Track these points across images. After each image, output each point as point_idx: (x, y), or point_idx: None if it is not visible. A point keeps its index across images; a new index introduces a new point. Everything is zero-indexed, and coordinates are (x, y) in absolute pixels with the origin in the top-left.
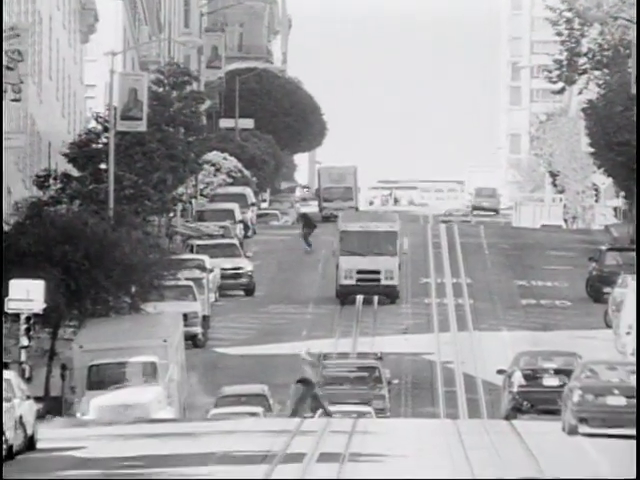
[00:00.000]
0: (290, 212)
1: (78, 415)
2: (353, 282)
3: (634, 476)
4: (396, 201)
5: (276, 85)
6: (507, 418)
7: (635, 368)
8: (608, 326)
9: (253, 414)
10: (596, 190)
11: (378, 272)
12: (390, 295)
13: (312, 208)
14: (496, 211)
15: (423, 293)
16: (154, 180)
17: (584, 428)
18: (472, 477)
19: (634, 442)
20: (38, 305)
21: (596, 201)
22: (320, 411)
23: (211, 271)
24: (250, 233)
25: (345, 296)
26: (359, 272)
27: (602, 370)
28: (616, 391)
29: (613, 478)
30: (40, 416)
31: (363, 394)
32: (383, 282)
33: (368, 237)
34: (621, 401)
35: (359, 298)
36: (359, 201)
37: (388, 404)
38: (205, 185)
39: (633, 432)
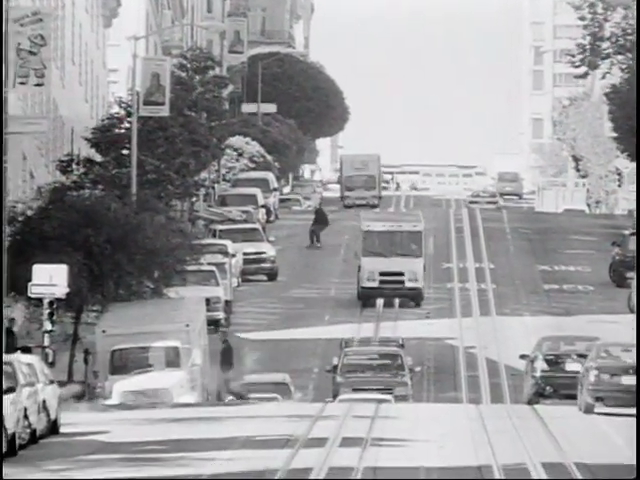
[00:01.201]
0: (312, 197)
1: (101, 400)
2: (376, 284)
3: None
4: (398, 186)
5: (298, 70)
6: (529, 403)
7: None
8: (631, 311)
9: (271, 399)
10: (619, 174)
11: (402, 274)
12: (414, 298)
13: (334, 193)
14: (519, 195)
15: (445, 278)
16: (176, 165)
17: (600, 407)
18: (495, 462)
19: None
20: (61, 290)
21: (619, 185)
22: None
23: (233, 256)
24: (272, 218)
25: (367, 299)
26: (382, 274)
27: (617, 351)
28: (631, 371)
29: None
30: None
31: (385, 381)
32: (407, 284)
33: (391, 237)
34: (635, 381)
35: (379, 302)
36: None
37: (410, 391)
38: (227, 170)
39: None
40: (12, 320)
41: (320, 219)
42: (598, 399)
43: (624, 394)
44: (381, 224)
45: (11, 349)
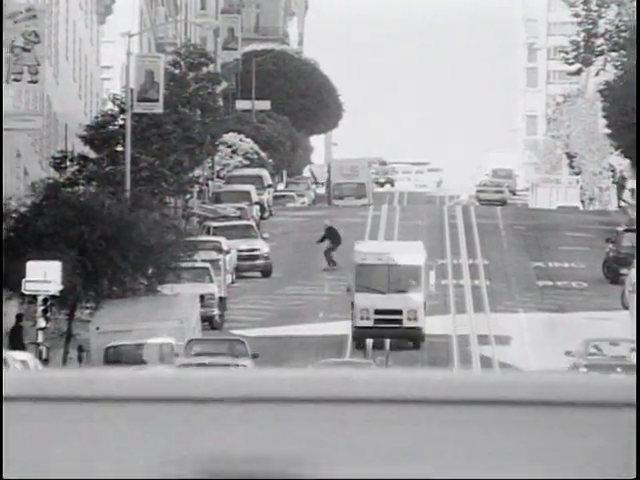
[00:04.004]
0: (307, 194)
1: None
2: (370, 324)
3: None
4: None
5: (292, 67)
6: None
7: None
8: (625, 307)
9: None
10: (613, 171)
11: (399, 312)
12: (414, 339)
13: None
14: (513, 192)
15: (439, 274)
16: (170, 162)
17: None
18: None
19: None
20: (55, 286)
21: (613, 182)
22: None
23: (227, 253)
24: (266, 215)
25: (362, 339)
26: (377, 312)
27: (606, 346)
28: (619, 369)
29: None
30: None
31: None
32: (405, 324)
33: (388, 271)
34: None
35: (369, 342)
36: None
37: None
38: (221, 167)
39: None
40: (20, 316)
41: (334, 239)
42: None
43: None
44: (377, 257)
45: (20, 345)
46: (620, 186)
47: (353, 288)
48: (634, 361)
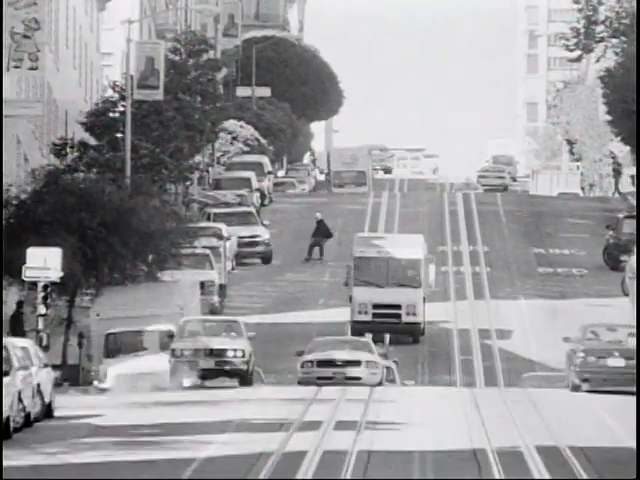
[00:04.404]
0: (307, 180)
1: (95, 383)
2: (369, 318)
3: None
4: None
5: (293, 53)
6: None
7: (634, 330)
8: (625, 294)
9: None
10: (613, 158)
11: (398, 307)
12: (413, 334)
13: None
14: (513, 179)
15: (440, 261)
16: (171, 148)
17: (586, 387)
18: (489, 446)
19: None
20: (55, 273)
21: (613, 169)
22: None
23: (228, 239)
24: (267, 201)
25: (360, 334)
26: (376, 306)
27: (603, 332)
28: (616, 353)
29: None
30: (57, 384)
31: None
32: (404, 319)
33: (387, 265)
34: (620, 362)
35: (368, 337)
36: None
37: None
38: (222, 153)
39: (631, 389)
40: (20, 302)
41: (322, 231)
42: (585, 380)
43: (610, 375)
44: (376, 250)
45: (21, 331)
46: (617, 173)
47: (351, 281)
48: (631, 346)
